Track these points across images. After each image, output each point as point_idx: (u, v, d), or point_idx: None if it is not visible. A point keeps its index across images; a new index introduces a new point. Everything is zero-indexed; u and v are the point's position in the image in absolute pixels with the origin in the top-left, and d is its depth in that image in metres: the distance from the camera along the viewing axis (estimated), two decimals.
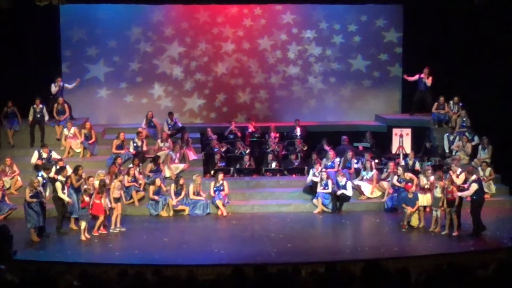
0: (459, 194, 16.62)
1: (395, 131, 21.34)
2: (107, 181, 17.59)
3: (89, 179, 17.17)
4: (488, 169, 19.52)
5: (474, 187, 16.47)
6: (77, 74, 23.29)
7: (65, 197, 17.01)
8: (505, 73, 20.75)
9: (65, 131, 20.98)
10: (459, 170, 17.86)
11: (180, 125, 22.28)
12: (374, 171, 19.92)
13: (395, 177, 18.93)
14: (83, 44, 23.58)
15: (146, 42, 23.92)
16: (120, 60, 23.85)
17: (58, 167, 17.86)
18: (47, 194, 17.10)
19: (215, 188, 19.17)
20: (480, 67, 21.62)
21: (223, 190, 19.19)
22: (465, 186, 16.93)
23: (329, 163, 20.31)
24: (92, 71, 23.76)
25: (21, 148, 21.08)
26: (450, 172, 17.77)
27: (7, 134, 21.22)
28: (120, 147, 20.67)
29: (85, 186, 16.98)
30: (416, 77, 23.07)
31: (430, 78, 22.85)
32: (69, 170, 17.94)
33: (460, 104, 22.28)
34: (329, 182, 19.21)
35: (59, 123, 21.43)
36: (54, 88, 21.78)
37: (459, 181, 17.30)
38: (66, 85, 22.06)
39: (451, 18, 22.60)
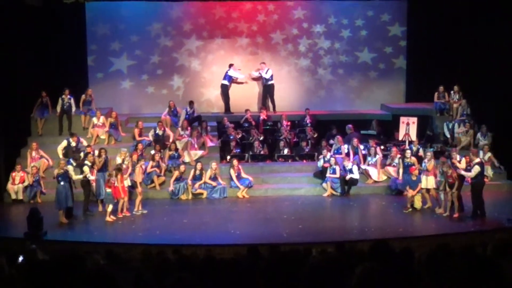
0: (462, 172, 16.55)
1: (402, 119, 21.20)
2: (128, 165, 17.70)
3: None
4: (488, 154, 19.38)
5: (477, 169, 16.40)
6: (102, 67, 23.56)
7: (79, 177, 17.15)
8: (508, 66, 20.54)
9: (94, 119, 21.06)
10: (458, 156, 17.82)
11: (196, 115, 22.28)
12: (378, 156, 19.89)
13: (399, 158, 18.94)
14: (107, 39, 23.64)
15: (166, 36, 23.93)
16: (142, 54, 23.87)
17: (86, 152, 18.06)
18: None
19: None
20: (482, 58, 21.45)
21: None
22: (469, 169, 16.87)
23: (337, 148, 20.32)
24: (115, 64, 23.81)
25: (50, 136, 21.14)
26: (453, 160, 17.65)
27: (37, 124, 21.30)
28: (139, 135, 20.74)
29: (108, 172, 17.13)
30: (257, 73, 23.68)
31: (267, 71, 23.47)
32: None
33: (460, 93, 22.16)
34: (337, 168, 19.22)
35: (86, 113, 21.52)
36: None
37: (462, 166, 17.20)
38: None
39: (452, 12, 22.51)
